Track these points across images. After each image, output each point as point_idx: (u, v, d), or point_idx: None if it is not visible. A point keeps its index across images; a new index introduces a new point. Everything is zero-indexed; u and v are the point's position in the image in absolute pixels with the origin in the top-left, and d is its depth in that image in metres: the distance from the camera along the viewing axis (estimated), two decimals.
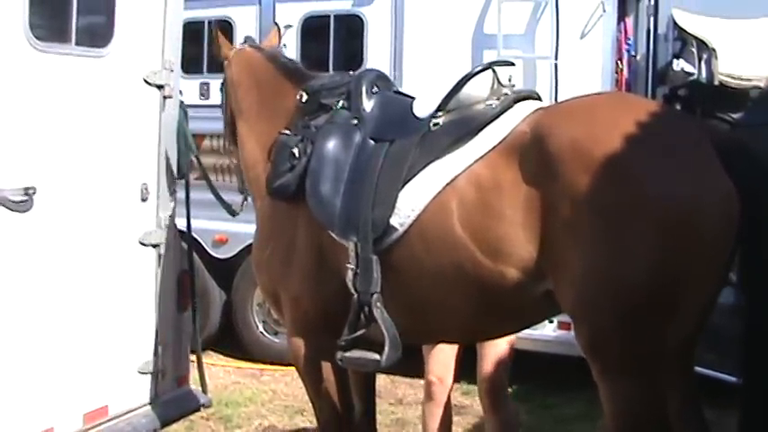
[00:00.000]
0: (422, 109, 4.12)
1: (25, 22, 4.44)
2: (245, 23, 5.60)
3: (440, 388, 4.90)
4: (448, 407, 4.99)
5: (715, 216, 3.38)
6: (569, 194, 3.47)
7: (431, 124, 3.99)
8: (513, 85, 4.03)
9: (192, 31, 7.06)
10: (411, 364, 4.93)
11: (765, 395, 3.56)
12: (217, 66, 8.33)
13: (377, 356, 4.00)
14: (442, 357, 4.86)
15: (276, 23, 5.21)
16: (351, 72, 4.62)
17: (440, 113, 4.00)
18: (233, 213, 5.21)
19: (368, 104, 4.28)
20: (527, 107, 3.89)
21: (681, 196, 3.36)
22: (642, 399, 3.48)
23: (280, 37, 5.11)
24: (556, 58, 7.06)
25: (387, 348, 3.98)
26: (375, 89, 4.36)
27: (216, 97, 8.28)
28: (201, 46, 8.52)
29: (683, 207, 3.35)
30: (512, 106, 3.91)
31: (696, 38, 6.82)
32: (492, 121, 3.86)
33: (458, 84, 4.03)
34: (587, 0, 7.03)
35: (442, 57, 7.29)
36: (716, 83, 6.72)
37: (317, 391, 4.38)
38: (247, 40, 5.14)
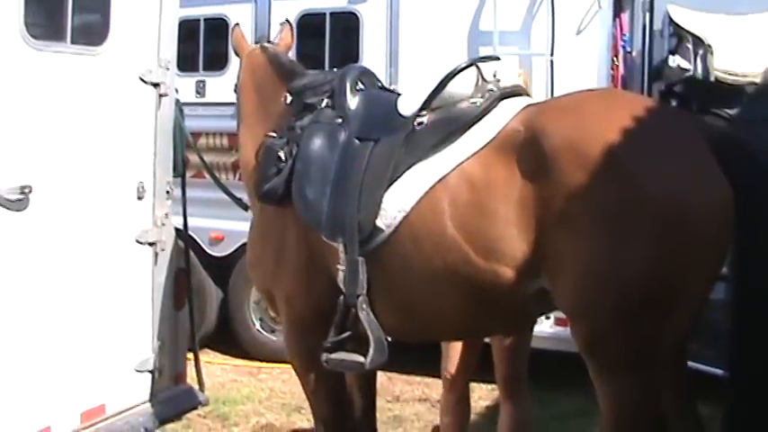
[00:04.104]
0: (407, 106, 4.09)
1: (21, 21, 4.43)
2: (241, 21, 5.62)
3: (456, 384, 4.88)
4: (465, 404, 4.97)
5: (712, 211, 3.38)
6: (565, 193, 3.46)
7: (415, 123, 3.97)
8: (499, 81, 3.99)
9: (187, 29, 7.06)
10: (408, 362, 4.94)
11: (752, 389, 3.57)
12: (212, 64, 8.45)
13: (361, 359, 4.00)
14: (458, 353, 4.84)
15: (287, 21, 5.17)
16: (335, 69, 4.59)
17: (424, 112, 3.98)
18: (245, 208, 5.22)
19: (352, 102, 4.26)
20: (514, 104, 3.87)
21: (678, 193, 3.36)
22: (639, 394, 3.49)
23: (293, 35, 5.07)
24: (552, 55, 7.05)
25: (371, 351, 3.97)
26: (359, 86, 4.34)
27: (211, 95, 8.37)
28: (197, 44, 8.53)
29: (681, 203, 3.35)
30: (497, 104, 3.89)
31: (692, 34, 6.81)
32: (479, 119, 3.84)
33: (441, 82, 4.01)
34: None
35: (438, 53, 7.28)
36: (712, 79, 6.72)
37: (314, 389, 4.38)
38: (260, 39, 5.11)
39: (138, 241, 5.33)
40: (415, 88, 4.19)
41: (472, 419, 5.95)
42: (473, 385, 6.25)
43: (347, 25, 7.93)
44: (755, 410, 3.59)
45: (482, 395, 7.04)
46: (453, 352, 4.84)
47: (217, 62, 8.41)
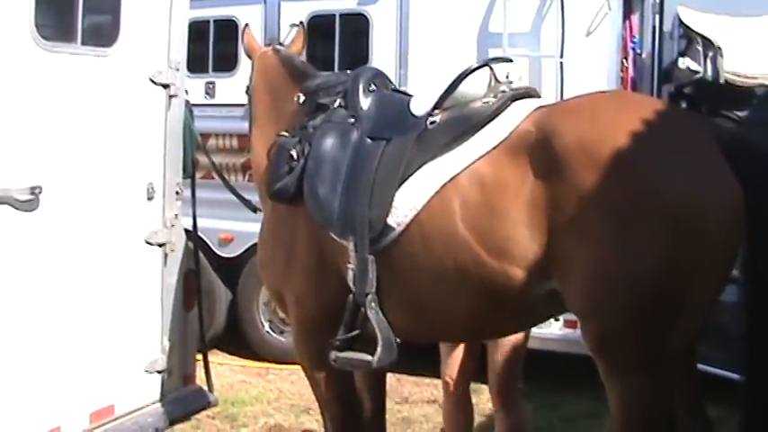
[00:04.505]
0: (419, 107, 4.09)
1: (31, 22, 4.44)
2: (250, 22, 5.62)
3: (455, 387, 4.88)
4: (467, 407, 4.97)
5: (722, 212, 3.39)
6: (577, 193, 3.46)
7: (427, 122, 3.97)
8: (511, 83, 3.99)
9: (197, 31, 7.07)
10: (417, 363, 4.94)
11: (767, 393, 3.56)
12: (222, 65, 8.46)
13: (369, 357, 4.00)
14: (457, 357, 4.84)
15: (301, 23, 5.16)
16: (348, 71, 4.60)
17: (436, 111, 3.99)
18: (254, 210, 5.22)
19: (365, 103, 4.26)
20: (526, 105, 3.88)
21: (689, 193, 3.37)
22: (650, 395, 3.48)
23: (305, 37, 5.07)
24: (561, 57, 7.05)
25: (379, 350, 3.97)
26: (372, 87, 4.34)
27: (221, 96, 8.38)
28: (207, 45, 8.54)
29: (692, 204, 3.36)
30: (509, 104, 3.89)
31: (702, 36, 6.81)
32: (491, 119, 3.84)
33: (454, 81, 4.01)
34: None
35: (448, 55, 7.29)
36: (721, 81, 6.72)
37: (323, 390, 4.38)
38: (272, 41, 5.11)
39: (147, 242, 5.33)
40: (426, 90, 4.19)
41: (479, 421, 5.96)
42: (481, 387, 6.28)
43: (357, 27, 7.94)
44: None
45: (490, 397, 7.02)
46: (452, 357, 4.84)
47: (226, 63, 8.42)
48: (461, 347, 4.81)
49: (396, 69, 7.56)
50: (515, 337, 4.71)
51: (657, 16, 7.21)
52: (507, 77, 3.99)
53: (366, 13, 7.85)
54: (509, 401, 4.84)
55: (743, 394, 3.63)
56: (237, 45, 7.89)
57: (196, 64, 7.67)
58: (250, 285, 8.39)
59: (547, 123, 3.66)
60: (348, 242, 3.98)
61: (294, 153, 4.24)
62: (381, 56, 7.66)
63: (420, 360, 4.86)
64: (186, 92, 5.64)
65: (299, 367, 4.74)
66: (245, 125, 4.99)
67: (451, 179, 3.78)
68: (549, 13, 7.18)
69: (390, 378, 6.31)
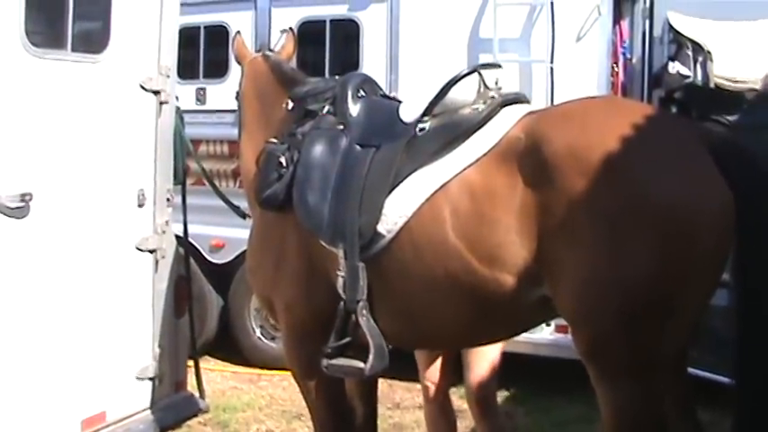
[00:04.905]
0: (408, 113, 4.08)
1: (21, 29, 4.44)
2: (241, 29, 5.62)
3: (436, 392, 4.88)
4: (449, 410, 4.97)
5: (712, 216, 3.39)
6: (567, 200, 3.46)
7: (417, 129, 3.97)
8: (500, 88, 3.98)
9: (188, 37, 7.06)
10: (408, 369, 4.93)
11: (758, 397, 3.57)
12: (212, 71, 8.45)
13: (361, 365, 3.99)
14: (435, 361, 4.84)
15: (291, 29, 5.15)
16: (336, 77, 4.59)
17: (426, 118, 3.98)
18: (243, 216, 5.21)
19: (354, 109, 4.25)
20: (515, 111, 3.87)
21: (679, 198, 3.37)
22: (641, 400, 3.48)
23: (295, 43, 5.06)
24: (551, 62, 7.06)
25: (371, 357, 3.96)
26: (361, 93, 4.33)
27: (211, 102, 8.37)
28: (197, 51, 8.54)
29: (682, 209, 3.36)
30: (498, 110, 3.89)
31: (691, 40, 6.82)
32: (481, 125, 3.83)
33: (443, 88, 4.00)
34: (583, 3, 7.04)
35: (438, 61, 7.29)
36: (711, 85, 6.73)
37: (314, 397, 4.37)
38: (262, 47, 5.11)
39: (138, 249, 5.33)
40: (416, 96, 4.18)
41: (471, 427, 5.95)
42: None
43: (347, 32, 7.94)
44: (764, 419, 3.59)
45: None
46: (428, 362, 4.83)
47: (217, 69, 8.41)
48: (438, 351, 4.81)
49: (386, 75, 7.57)
50: (490, 350, 4.71)
51: (647, 21, 7.23)
52: (497, 83, 3.99)
53: (356, 19, 7.84)
54: (488, 412, 4.84)
55: (734, 398, 3.64)
56: (228, 51, 7.88)
57: (187, 70, 7.67)
58: (241, 291, 8.37)
59: (536, 129, 3.66)
60: (338, 249, 3.97)
61: (283, 160, 4.23)
62: (372, 61, 7.66)
63: (412, 365, 4.85)
64: (177, 98, 5.64)
65: (290, 373, 4.74)
66: (236, 131, 4.98)
67: (441, 187, 3.77)
68: (539, 18, 7.19)
69: (382, 383, 6.31)
